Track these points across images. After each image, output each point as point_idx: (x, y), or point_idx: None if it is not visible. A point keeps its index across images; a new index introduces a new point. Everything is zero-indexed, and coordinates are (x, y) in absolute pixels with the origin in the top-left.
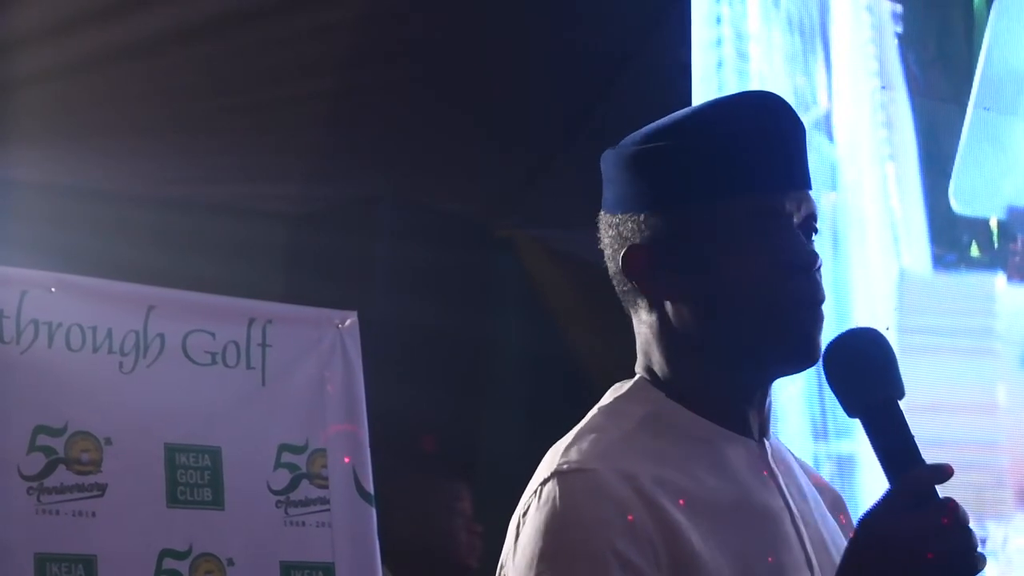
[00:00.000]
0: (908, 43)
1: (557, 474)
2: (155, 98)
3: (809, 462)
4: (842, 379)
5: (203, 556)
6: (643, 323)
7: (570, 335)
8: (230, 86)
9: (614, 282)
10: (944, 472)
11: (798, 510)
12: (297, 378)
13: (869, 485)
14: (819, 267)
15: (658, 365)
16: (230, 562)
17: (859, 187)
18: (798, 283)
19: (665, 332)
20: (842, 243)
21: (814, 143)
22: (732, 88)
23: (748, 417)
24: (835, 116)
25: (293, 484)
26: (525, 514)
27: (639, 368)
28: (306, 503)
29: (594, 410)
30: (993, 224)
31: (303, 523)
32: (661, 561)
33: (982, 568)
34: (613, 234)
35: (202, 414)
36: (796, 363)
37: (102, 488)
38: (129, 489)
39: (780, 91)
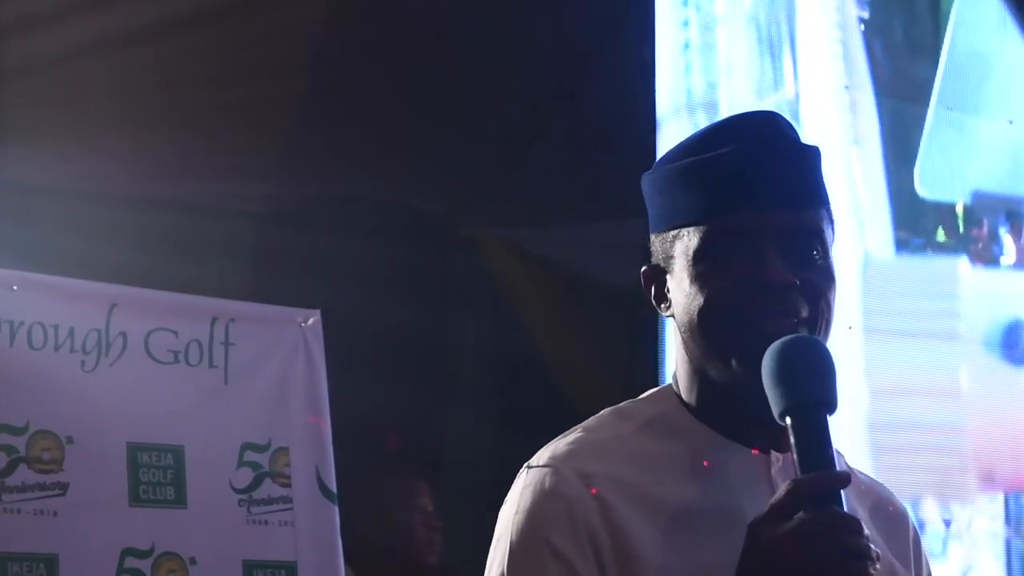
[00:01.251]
0: (873, 29)
1: (527, 467)
2: (121, 96)
3: None
4: (780, 375)
5: (165, 555)
6: (670, 335)
7: (534, 334)
8: (196, 84)
9: None
10: (838, 479)
11: None
12: (260, 377)
13: None
14: (792, 284)
15: (678, 374)
16: (192, 561)
17: (825, 171)
18: (762, 302)
19: (678, 343)
20: None
21: None
22: (698, 73)
23: (752, 429)
24: (801, 100)
25: (256, 483)
26: (505, 503)
27: (671, 374)
28: (269, 502)
29: (606, 409)
30: (959, 209)
31: (266, 522)
32: (605, 562)
33: None
34: (652, 252)
35: (164, 413)
36: (756, 384)
37: (64, 487)
38: (91, 488)
39: (746, 76)
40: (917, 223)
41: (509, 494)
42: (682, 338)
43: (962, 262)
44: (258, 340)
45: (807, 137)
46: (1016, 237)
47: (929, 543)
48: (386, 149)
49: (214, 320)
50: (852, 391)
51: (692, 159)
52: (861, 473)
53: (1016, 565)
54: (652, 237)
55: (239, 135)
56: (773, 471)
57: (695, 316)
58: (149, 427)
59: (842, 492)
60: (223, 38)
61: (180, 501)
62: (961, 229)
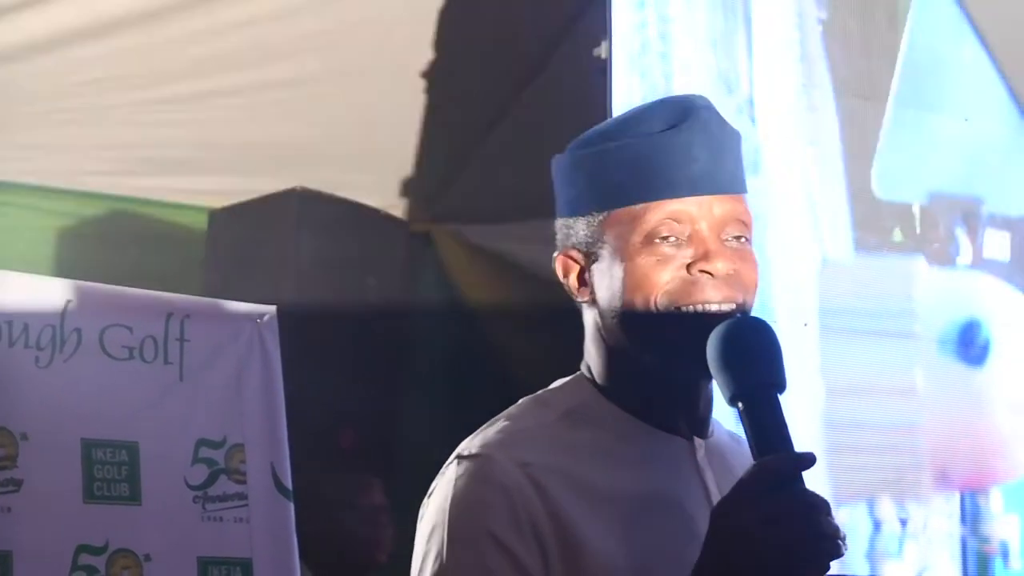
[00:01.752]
0: (831, 29)
1: (458, 458)
2: (74, 90)
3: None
4: (726, 361)
5: (120, 552)
6: (585, 321)
7: (488, 328)
8: (150, 77)
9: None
10: (804, 459)
11: None
12: (215, 373)
13: None
14: (724, 270)
15: (593, 362)
16: (147, 558)
17: (781, 171)
18: (702, 288)
19: (596, 331)
20: (763, 227)
21: (738, 127)
22: (655, 72)
23: (675, 416)
24: (757, 100)
25: (211, 479)
26: (430, 492)
27: (582, 364)
28: (224, 498)
29: (524, 398)
30: (916, 209)
31: (221, 518)
32: (548, 551)
33: (835, 556)
34: (558, 237)
35: (119, 409)
36: (697, 366)
37: (18, 483)
38: (45, 484)
39: (703, 74)
40: (874, 223)
41: (437, 486)
42: (606, 324)
43: (919, 262)
44: (213, 336)
45: (762, 139)
46: (972, 238)
47: (885, 543)
48: (340, 142)
49: (169, 316)
50: (808, 390)
51: (616, 143)
52: (727, 430)
53: (972, 565)
54: (570, 220)
55: (194, 129)
56: (698, 457)
57: (625, 303)
58: (104, 423)
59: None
60: (177, 32)
61: (135, 498)
62: (918, 230)
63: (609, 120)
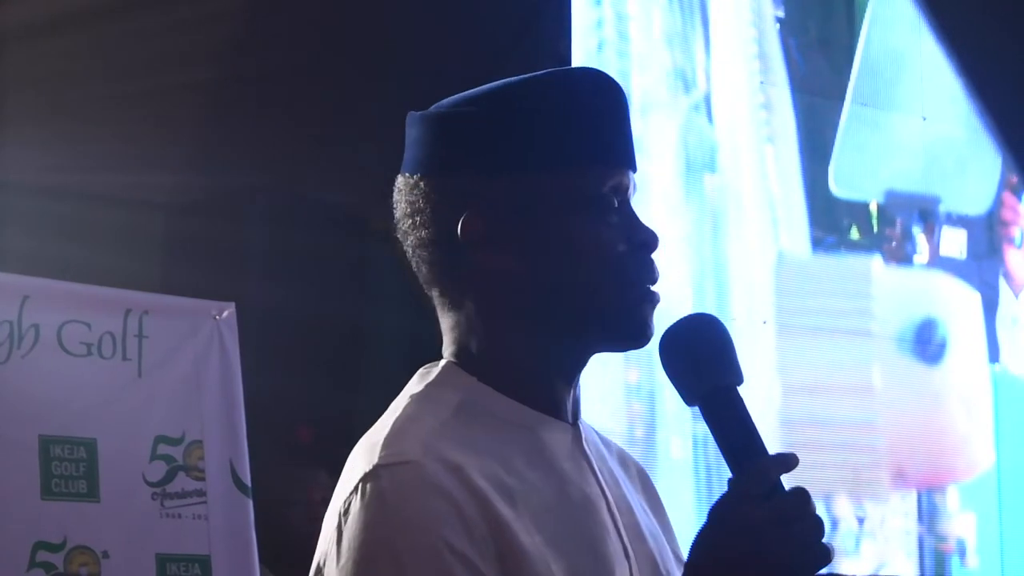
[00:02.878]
0: (789, 28)
1: (380, 467)
2: (31, 86)
3: (688, 442)
4: (679, 367)
5: (78, 548)
6: (452, 304)
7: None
8: (107, 74)
9: (417, 254)
10: (789, 461)
11: (612, 497)
12: (174, 369)
13: None
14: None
15: (475, 346)
16: (105, 555)
17: (738, 170)
18: (636, 260)
19: (483, 310)
20: (721, 224)
21: (695, 125)
22: (612, 70)
23: (563, 400)
24: (714, 98)
25: (169, 476)
26: (347, 512)
27: (447, 352)
28: (182, 495)
29: (405, 397)
30: (873, 208)
31: (179, 515)
32: (489, 554)
33: (830, 559)
34: (434, 198)
35: (77, 405)
36: (628, 341)
37: None
38: (3, 481)
39: (659, 72)
40: (831, 221)
41: (354, 505)
42: (506, 297)
43: (876, 261)
44: (172, 332)
45: (719, 137)
46: (929, 236)
47: (842, 540)
48: (298, 140)
49: (127, 312)
50: (765, 387)
51: (552, 102)
52: (597, 432)
53: (928, 562)
54: (460, 180)
55: (152, 126)
56: (583, 442)
57: (569, 266)
58: (62, 420)
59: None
60: (132, 29)
61: (93, 494)
62: (875, 228)
63: (509, 81)
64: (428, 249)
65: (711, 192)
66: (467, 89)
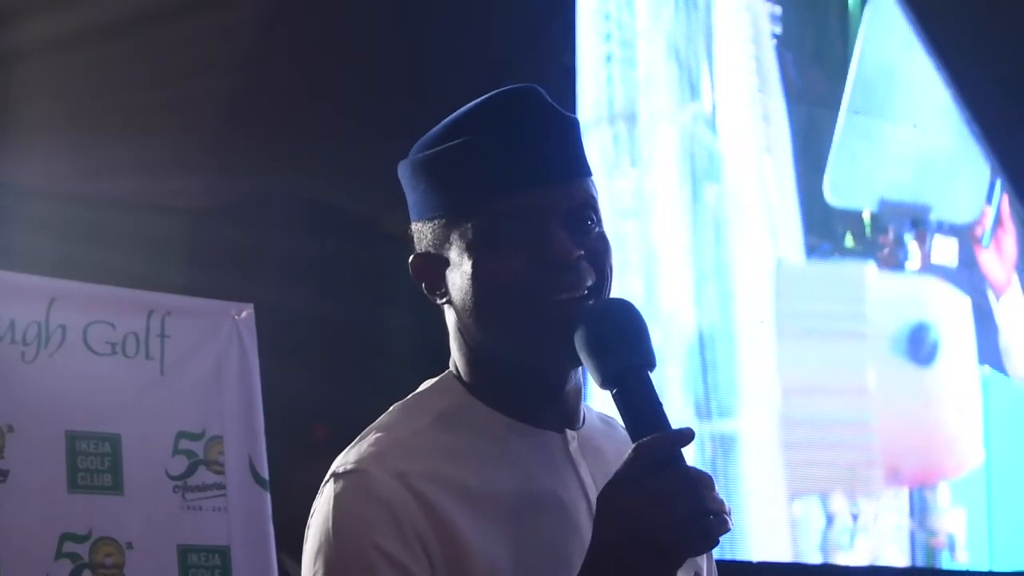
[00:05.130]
0: (785, 43)
1: (334, 476)
2: (59, 95)
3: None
4: (589, 349)
5: (102, 540)
6: (447, 321)
7: None
8: (130, 85)
9: None
10: (682, 436)
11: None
12: (195, 368)
13: (750, 463)
14: (581, 256)
15: (458, 362)
16: (129, 545)
17: (739, 179)
18: (553, 280)
19: (457, 331)
20: (724, 232)
21: (698, 136)
22: (619, 83)
23: (542, 410)
24: (718, 111)
25: (190, 470)
26: (312, 514)
27: (451, 363)
28: (203, 488)
29: (395, 405)
30: (866, 216)
31: (200, 508)
32: (434, 558)
33: (720, 533)
34: (415, 240)
35: (102, 402)
36: (560, 359)
37: (4, 474)
38: (31, 475)
39: (665, 86)
40: (826, 229)
41: (316, 507)
42: (463, 325)
43: (869, 267)
44: (193, 332)
45: (721, 147)
46: (921, 243)
47: (837, 536)
48: (314, 146)
49: (150, 313)
50: (765, 389)
51: (454, 143)
52: (598, 413)
53: (920, 556)
54: (418, 225)
55: (174, 134)
56: (571, 449)
57: (479, 301)
58: (87, 416)
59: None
60: (159, 40)
61: (117, 488)
62: (868, 235)
63: (447, 119)
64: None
65: (715, 201)
66: (476, 96)
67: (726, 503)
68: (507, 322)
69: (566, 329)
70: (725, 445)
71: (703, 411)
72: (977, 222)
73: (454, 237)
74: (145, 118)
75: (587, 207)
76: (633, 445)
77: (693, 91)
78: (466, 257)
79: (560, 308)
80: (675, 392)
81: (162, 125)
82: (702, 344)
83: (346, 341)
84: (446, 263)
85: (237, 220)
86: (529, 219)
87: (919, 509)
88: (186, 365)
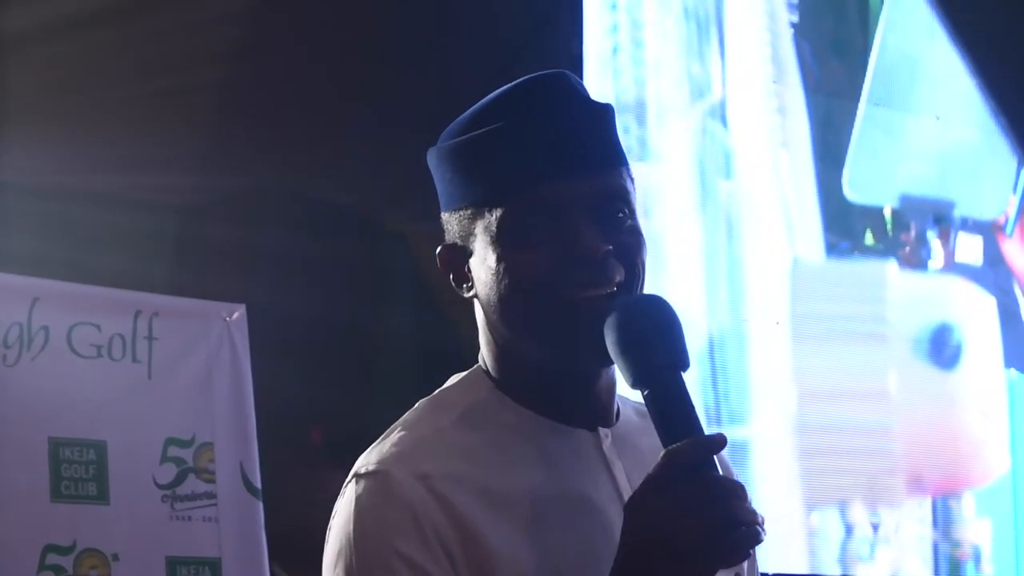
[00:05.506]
0: (803, 32)
1: (356, 476)
2: (43, 87)
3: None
4: (620, 347)
5: (87, 551)
6: (476, 315)
7: (460, 327)
8: (116, 77)
9: None
10: (714, 442)
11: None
12: (184, 371)
13: (763, 471)
14: (609, 251)
15: (486, 357)
16: (115, 557)
17: (753, 175)
18: (579, 275)
19: (485, 325)
20: (736, 230)
21: (709, 131)
22: (627, 75)
23: (573, 408)
24: (729, 104)
25: (179, 478)
26: (334, 514)
27: (479, 356)
28: (193, 497)
29: (422, 400)
30: (887, 212)
31: (189, 518)
32: (457, 562)
33: (751, 545)
34: (445, 231)
35: (87, 408)
36: (586, 357)
37: None
38: (12, 484)
39: (675, 78)
40: (845, 227)
41: (338, 508)
42: (489, 320)
43: (890, 266)
44: (182, 334)
45: (734, 141)
46: (944, 241)
47: (857, 547)
48: (311, 142)
49: (137, 314)
50: (779, 394)
51: (480, 131)
52: (634, 405)
53: (943, 569)
54: (446, 215)
55: (162, 127)
56: (604, 447)
57: (504, 297)
58: (71, 422)
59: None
60: (144, 30)
61: (102, 497)
62: (889, 233)
63: (476, 105)
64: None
65: (726, 198)
66: (479, 89)
67: (759, 515)
68: (531, 319)
69: (593, 327)
70: (737, 453)
71: (713, 417)
72: (1001, 212)
73: (479, 229)
74: (131, 111)
75: (618, 199)
76: (663, 450)
77: (704, 83)
78: (490, 250)
79: (587, 305)
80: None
81: (149, 118)
82: (713, 347)
83: (342, 343)
84: (471, 255)
85: (228, 217)
86: (556, 211)
87: (943, 519)
88: (175, 368)
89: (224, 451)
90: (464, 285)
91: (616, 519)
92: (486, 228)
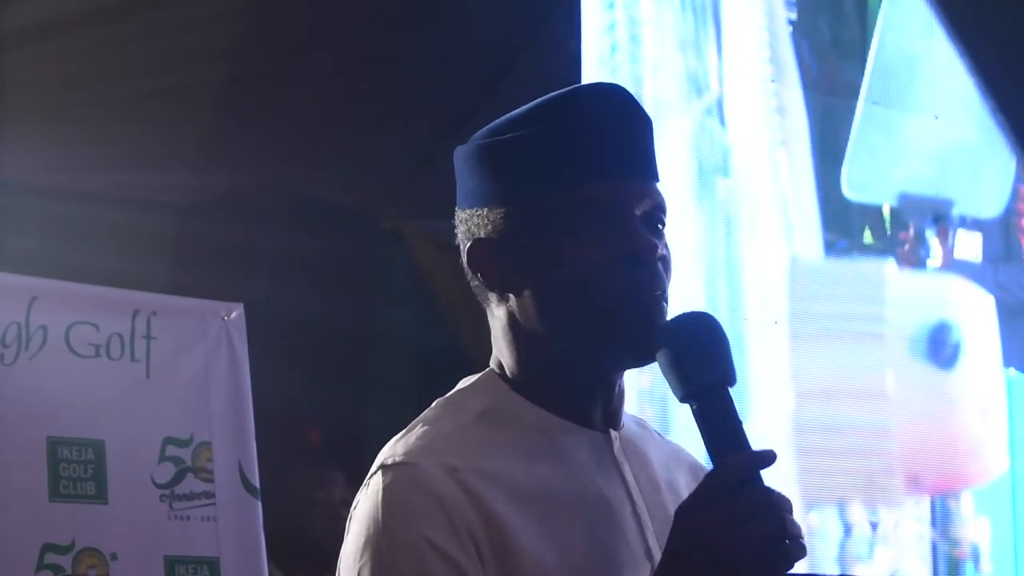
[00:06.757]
0: (801, 30)
1: (382, 467)
2: (41, 86)
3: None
4: (673, 362)
5: (86, 551)
6: (494, 316)
7: (457, 326)
8: (114, 75)
9: (468, 277)
10: (765, 458)
11: (643, 501)
12: (182, 371)
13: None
14: (659, 257)
15: (505, 358)
16: (113, 557)
17: (752, 173)
18: (634, 274)
19: (511, 325)
20: (734, 229)
21: (707, 129)
22: (625, 73)
23: (591, 409)
24: (727, 102)
25: (178, 478)
26: (355, 506)
27: (492, 361)
28: (191, 497)
29: (438, 400)
30: (886, 211)
31: (188, 517)
32: (483, 553)
33: (799, 557)
34: (463, 229)
35: (85, 407)
36: (634, 355)
37: None
38: (10, 483)
39: (672, 76)
40: (844, 225)
41: (360, 500)
42: (525, 316)
43: (889, 264)
44: (180, 334)
45: (732, 140)
46: (943, 240)
47: (855, 546)
48: (307, 140)
49: (136, 313)
50: (778, 393)
51: (535, 128)
52: (631, 416)
53: (942, 568)
54: (484, 210)
55: (159, 126)
56: (615, 449)
57: (558, 288)
58: (70, 421)
59: (665, 463)
60: (142, 29)
61: (101, 496)
62: (888, 231)
63: (521, 108)
64: (468, 274)
65: (724, 196)
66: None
67: (802, 527)
68: (583, 315)
69: (644, 324)
70: None
71: None
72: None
73: (531, 225)
74: (130, 110)
75: (660, 210)
76: (712, 462)
77: (703, 81)
78: (543, 244)
79: (642, 303)
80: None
81: (148, 117)
82: None
83: (341, 342)
84: (515, 251)
85: (227, 216)
86: (615, 210)
87: (941, 518)
88: (173, 368)
89: (222, 450)
90: (497, 282)
91: (629, 520)
92: (540, 224)
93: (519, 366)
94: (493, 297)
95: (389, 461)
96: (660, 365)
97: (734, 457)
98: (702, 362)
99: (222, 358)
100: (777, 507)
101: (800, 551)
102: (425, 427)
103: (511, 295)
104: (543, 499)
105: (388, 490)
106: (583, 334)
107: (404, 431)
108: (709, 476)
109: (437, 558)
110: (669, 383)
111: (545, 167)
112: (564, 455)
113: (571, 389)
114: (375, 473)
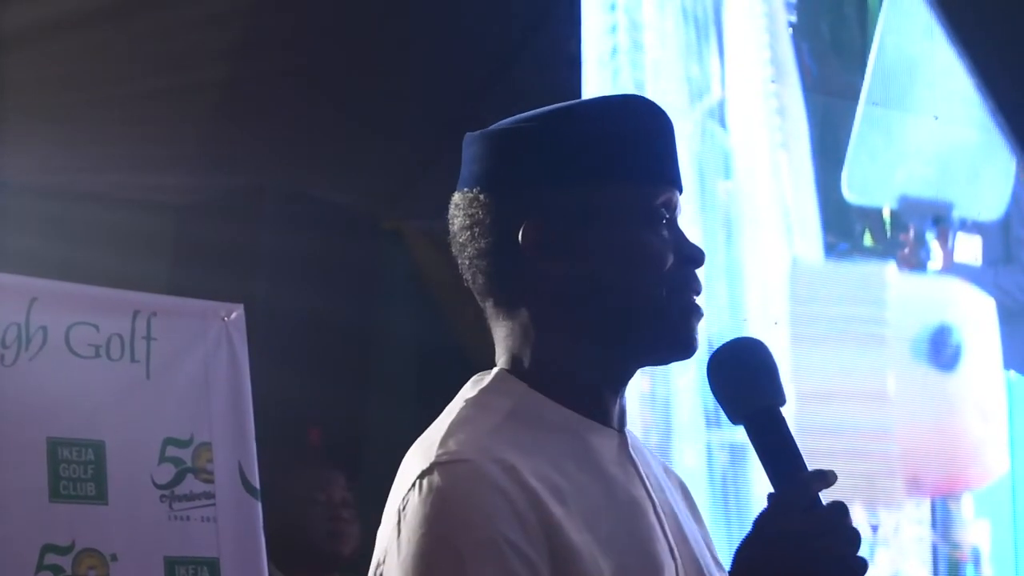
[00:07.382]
0: (801, 33)
1: (437, 465)
2: (40, 86)
3: (702, 450)
4: (725, 388)
5: (86, 551)
6: (514, 311)
7: (457, 326)
8: (114, 76)
9: (474, 264)
10: (828, 477)
11: (658, 501)
12: (182, 371)
13: (762, 473)
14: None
15: (527, 355)
16: (113, 557)
17: (752, 176)
18: (684, 273)
19: (541, 317)
20: (735, 231)
21: (708, 131)
22: (626, 76)
23: (610, 408)
24: (728, 105)
25: (178, 478)
26: (405, 508)
27: (500, 361)
28: (191, 497)
29: (461, 402)
30: (886, 213)
31: (188, 518)
32: (543, 551)
33: (865, 571)
34: (494, 209)
35: (85, 408)
36: (676, 349)
37: None
38: (10, 484)
39: (674, 79)
40: (844, 227)
41: (410, 501)
42: (562, 305)
43: (889, 267)
44: (180, 334)
45: (733, 142)
46: (943, 242)
47: None
48: (308, 141)
49: (136, 314)
50: None
51: (615, 123)
52: (645, 447)
53: (943, 570)
54: (519, 192)
55: (159, 126)
56: (630, 448)
57: (627, 271)
58: (70, 422)
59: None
60: (142, 29)
61: (101, 497)
62: (888, 234)
63: (567, 103)
64: (486, 259)
65: (725, 198)
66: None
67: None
68: (632, 308)
69: (692, 328)
70: (735, 455)
71: (712, 419)
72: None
73: (590, 212)
74: (130, 110)
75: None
76: (772, 480)
77: (703, 83)
78: (602, 235)
79: (694, 308)
80: (683, 399)
81: (148, 117)
82: (711, 348)
83: (341, 343)
84: (564, 239)
85: (227, 216)
86: (668, 212)
87: (942, 520)
88: (173, 368)
89: (222, 451)
90: (537, 266)
91: (653, 519)
92: (599, 210)
93: (540, 363)
94: (516, 288)
95: (444, 459)
96: (713, 390)
97: (804, 476)
98: (755, 388)
99: (222, 358)
100: (850, 520)
101: (866, 564)
102: (468, 425)
103: (548, 285)
104: (582, 499)
105: (448, 489)
106: (624, 327)
107: (444, 430)
108: (781, 493)
109: (518, 558)
110: (723, 407)
111: (607, 157)
112: (592, 455)
113: (596, 386)
114: (424, 476)
